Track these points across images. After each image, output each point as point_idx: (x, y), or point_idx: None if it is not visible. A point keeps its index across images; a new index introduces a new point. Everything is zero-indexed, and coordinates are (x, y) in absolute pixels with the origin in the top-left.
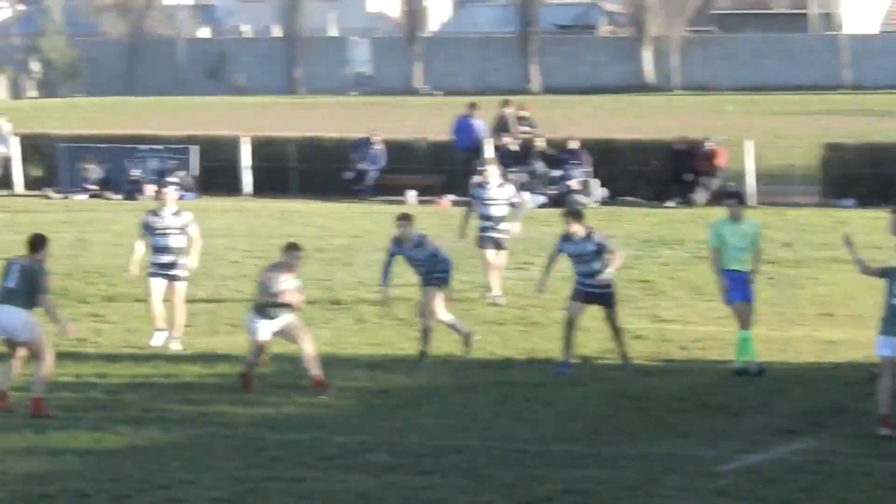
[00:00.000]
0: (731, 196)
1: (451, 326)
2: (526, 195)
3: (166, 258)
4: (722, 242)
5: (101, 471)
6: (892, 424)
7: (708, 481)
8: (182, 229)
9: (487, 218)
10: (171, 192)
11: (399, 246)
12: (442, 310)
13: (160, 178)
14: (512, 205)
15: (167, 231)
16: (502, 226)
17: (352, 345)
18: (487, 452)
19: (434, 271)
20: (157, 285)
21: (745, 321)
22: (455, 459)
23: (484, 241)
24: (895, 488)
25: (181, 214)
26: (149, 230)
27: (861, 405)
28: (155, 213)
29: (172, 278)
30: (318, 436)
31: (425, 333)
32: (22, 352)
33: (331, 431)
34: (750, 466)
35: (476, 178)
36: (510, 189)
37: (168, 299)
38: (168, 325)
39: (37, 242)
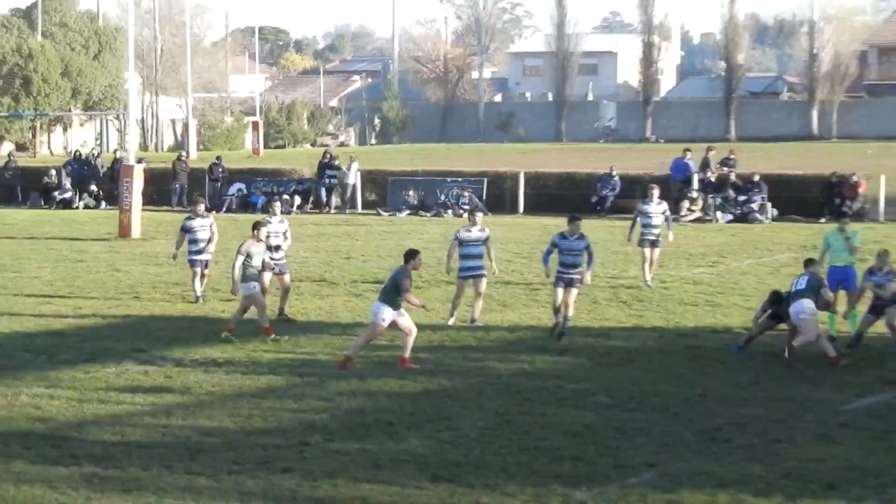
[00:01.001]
0: (843, 215)
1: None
2: (719, 214)
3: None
4: (828, 246)
5: (402, 407)
6: None
7: (833, 417)
8: None
9: (647, 226)
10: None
11: (564, 238)
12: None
13: (458, 202)
14: (665, 218)
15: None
16: (656, 231)
17: (586, 319)
18: (677, 396)
19: (576, 264)
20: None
21: (850, 298)
22: (654, 401)
23: (643, 242)
24: None
25: None
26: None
27: None
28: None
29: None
30: (558, 383)
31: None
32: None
33: (567, 381)
34: (865, 406)
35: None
36: (665, 206)
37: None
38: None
39: (408, 255)
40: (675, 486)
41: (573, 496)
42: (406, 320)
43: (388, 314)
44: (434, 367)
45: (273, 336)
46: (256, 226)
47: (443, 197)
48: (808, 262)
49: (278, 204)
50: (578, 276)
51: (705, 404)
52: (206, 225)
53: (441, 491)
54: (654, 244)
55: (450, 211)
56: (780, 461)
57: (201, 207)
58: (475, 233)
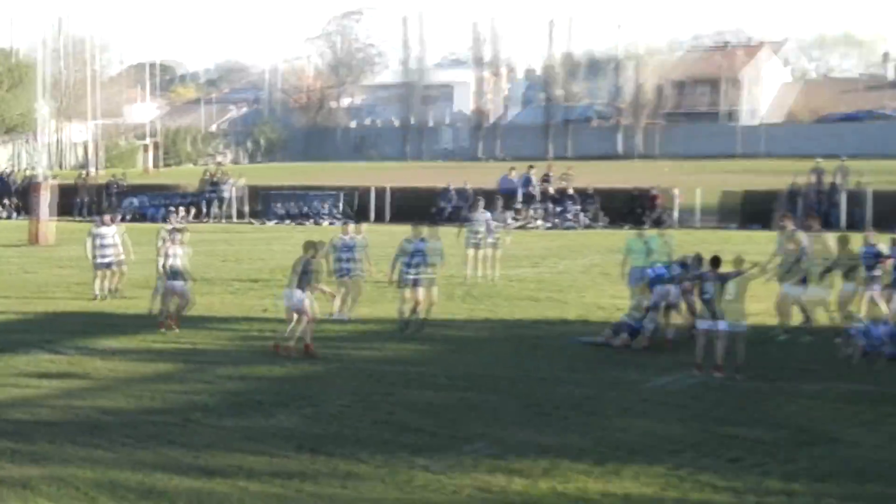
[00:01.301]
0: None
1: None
2: (540, 222)
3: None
4: (630, 250)
5: (271, 388)
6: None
7: (636, 394)
8: None
9: (472, 231)
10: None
11: (409, 242)
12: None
13: (319, 213)
14: (488, 226)
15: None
16: (479, 235)
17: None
18: (505, 376)
19: (419, 265)
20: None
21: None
22: (485, 381)
23: (468, 245)
24: (745, 397)
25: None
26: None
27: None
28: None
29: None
30: (404, 367)
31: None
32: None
33: (412, 365)
34: (662, 385)
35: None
36: (487, 215)
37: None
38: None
39: (308, 246)
40: (503, 453)
41: (417, 461)
42: (310, 305)
43: (299, 296)
44: (299, 354)
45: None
46: (172, 232)
47: (306, 208)
48: (713, 260)
49: (108, 216)
50: (423, 276)
51: (529, 384)
52: (111, 233)
53: (304, 459)
54: (476, 246)
55: (311, 220)
56: (592, 431)
57: (108, 218)
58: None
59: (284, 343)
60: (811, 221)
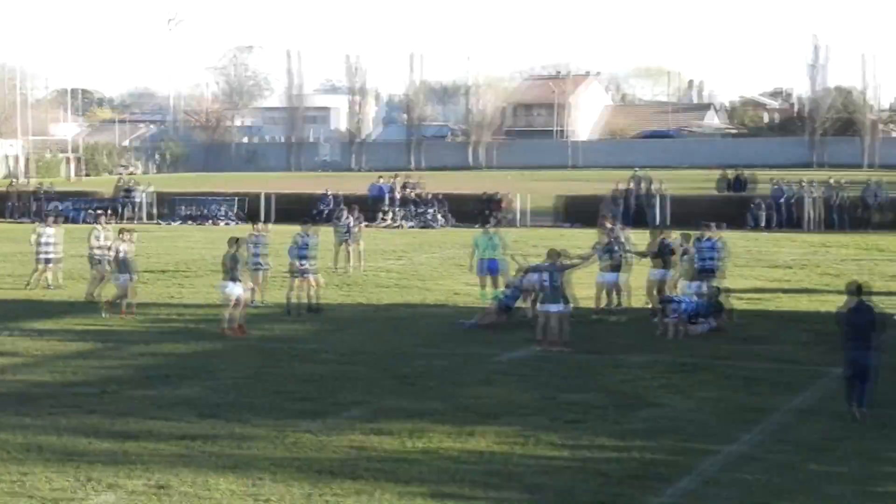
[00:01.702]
0: (495, 223)
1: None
2: (405, 222)
3: None
4: (477, 245)
5: (177, 363)
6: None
7: (492, 366)
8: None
9: (337, 232)
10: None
11: (302, 237)
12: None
13: (216, 215)
14: (357, 226)
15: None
16: (346, 234)
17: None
18: (379, 352)
19: (308, 257)
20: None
21: (494, 282)
22: (362, 356)
23: (339, 240)
24: (582, 368)
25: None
26: None
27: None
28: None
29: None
30: (293, 345)
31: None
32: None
33: (300, 343)
34: (513, 358)
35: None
36: (351, 219)
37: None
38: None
39: (233, 241)
40: (376, 417)
41: (302, 425)
42: (241, 292)
43: (232, 287)
44: (201, 333)
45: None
46: (121, 231)
47: (206, 211)
48: (549, 253)
49: (51, 218)
50: (311, 267)
51: (397, 358)
52: (52, 233)
53: (206, 424)
54: (346, 242)
55: (210, 221)
56: (454, 398)
57: (50, 220)
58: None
59: (229, 326)
60: (606, 220)
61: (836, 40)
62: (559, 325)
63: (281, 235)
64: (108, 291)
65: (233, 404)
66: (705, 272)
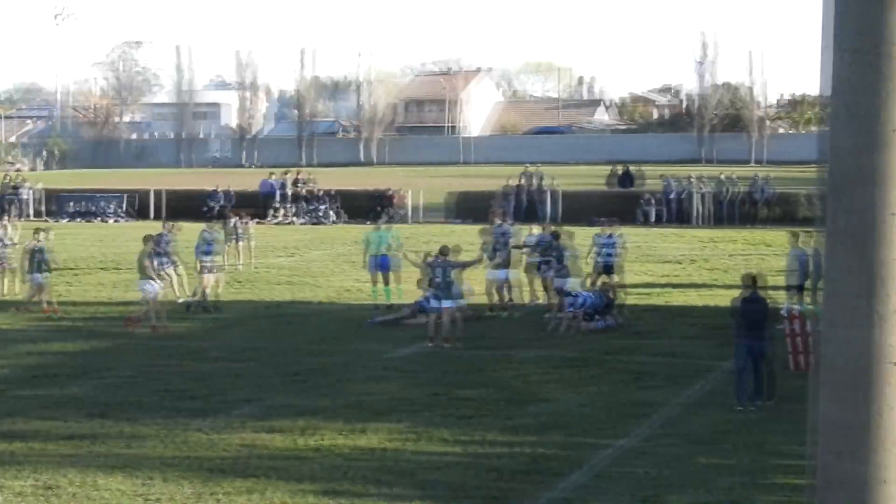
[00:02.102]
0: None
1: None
2: (297, 219)
3: None
4: (368, 242)
5: (65, 362)
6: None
7: (380, 363)
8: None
9: (233, 232)
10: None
11: (207, 232)
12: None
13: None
14: (234, 228)
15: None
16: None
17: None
18: (268, 349)
19: (212, 253)
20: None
21: (385, 278)
22: (251, 354)
23: (228, 239)
24: (472, 364)
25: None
26: None
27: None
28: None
29: None
30: (182, 342)
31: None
32: None
33: (189, 340)
34: (401, 355)
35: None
36: (238, 221)
37: None
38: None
39: (146, 238)
40: (267, 415)
41: (192, 424)
42: (158, 292)
43: (150, 286)
44: (90, 332)
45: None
46: (36, 231)
47: (94, 208)
48: (442, 250)
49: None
50: (216, 264)
51: (289, 355)
52: None
53: (94, 423)
54: (237, 240)
55: (98, 218)
56: (342, 395)
57: None
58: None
59: (158, 324)
60: (496, 216)
61: (724, 37)
62: (451, 321)
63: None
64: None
65: (121, 403)
66: (605, 267)
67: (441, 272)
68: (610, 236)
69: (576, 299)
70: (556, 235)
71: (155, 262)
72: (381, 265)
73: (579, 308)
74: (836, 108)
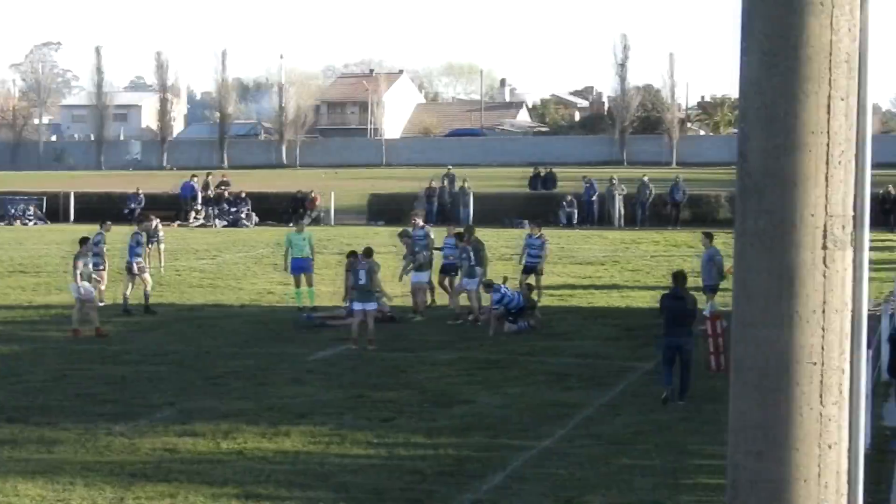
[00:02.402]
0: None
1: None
2: (217, 221)
3: None
4: (290, 244)
5: None
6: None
7: (302, 365)
8: None
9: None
10: None
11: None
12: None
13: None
14: (156, 229)
15: None
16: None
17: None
18: (189, 353)
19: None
20: None
21: (309, 280)
22: (172, 357)
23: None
24: (394, 366)
25: None
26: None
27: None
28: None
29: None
30: (101, 346)
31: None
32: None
33: (108, 344)
34: (323, 358)
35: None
36: (156, 221)
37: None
38: None
39: (81, 241)
40: (189, 419)
41: (113, 428)
42: (93, 293)
43: (80, 288)
44: (7, 336)
45: None
46: None
47: (13, 210)
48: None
49: None
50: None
51: (209, 359)
52: None
53: (14, 428)
54: (159, 242)
55: (13, 221)
56: (265, 398)
57: None
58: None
59: (76, 327)
60: (415, 219)
61: (644, 39)
62: (371, 322)
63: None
64: None
65: (40, 408)
66: (528, 269)
67: (365, 275)
68: (539, 237)
69: (502, 297)
70: (459, 237)
71: (90, 264)
72: (303, 267)
73: (503, 305)
74: (747, 110)
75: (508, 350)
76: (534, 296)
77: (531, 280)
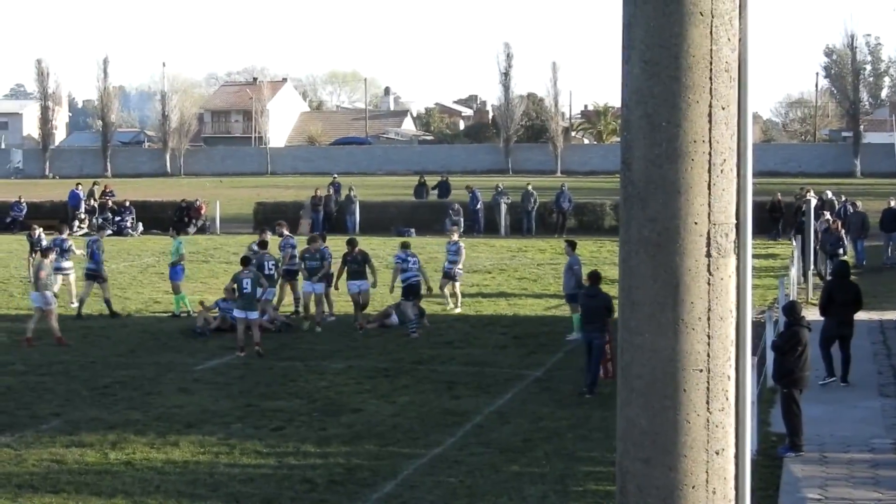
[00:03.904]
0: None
1: None
2: (105, 231)
3: None
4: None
5: None
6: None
7: (190, 375)
8: None
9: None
10: None
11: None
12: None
13: None
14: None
15: None
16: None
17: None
18: (75, 363)
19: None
20: None
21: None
22: (58, 367)
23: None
24: (283, 375)
25: None
26: None
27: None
28: None
29: None
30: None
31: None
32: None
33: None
34: (212, 367)
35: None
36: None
37: None
38: None
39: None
40: (76, 430)
41: None
42: (52, 302)
43: (43, 296)
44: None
45: None
46: None
47: None
48: (243, 261)
49: None
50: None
51: (96, 368)
52: None
53: None
54: (34, 252)
55: None
56: (153, 408)
57: None
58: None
59: (28, 336)
60: (280, 227)
61: (527, 48)
62: (256, 331)
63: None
64: None
65: None
66: (447, 274)
67: (250, 283)
68: (455, 243)
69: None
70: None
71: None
72: (174, 275)
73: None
74: (630, 118)
75: (397, 358)
76: (451, 301)
77: (448, 287)
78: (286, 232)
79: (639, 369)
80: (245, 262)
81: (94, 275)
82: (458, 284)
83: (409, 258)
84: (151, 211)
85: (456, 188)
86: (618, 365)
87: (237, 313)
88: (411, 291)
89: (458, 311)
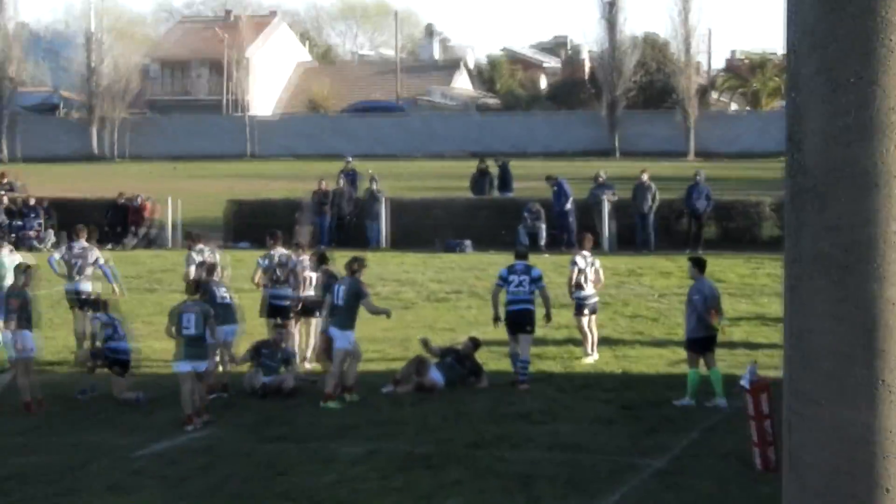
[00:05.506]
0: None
1: None
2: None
3: None
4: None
5: None
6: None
7: (126, 463)
8: None
9: None
10: None
11: None
12: None
13: None
14: None
15: None
16: None
17: None
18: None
19: None
20: None
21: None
22: (27, 461)
23: None
24: (269, 465)
25: None
26: None
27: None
28: None
29: None
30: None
31: None
32: None
33: None
34: (159, 451)
35: None
36: None
37: None
38: None
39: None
40: None
41: None
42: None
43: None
44: None
45: None
46: None
47: None
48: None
49: None
50: None
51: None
52: None
53: None
54: None
55: None
56: None
57: None
58: None
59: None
60: (273, 240)
61: None
62: (201, 391)
63: None
64: None
65: None
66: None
67: (194, 320)
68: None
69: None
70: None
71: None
72: None
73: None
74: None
75: (443, 439)
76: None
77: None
78: (281, 248)
79: (814, 456)
80: (192, 288)
81: None
82: (594, 318)
83: (515, 275)
84: (70, 212)
85: (533, 178)
86: (784, 450)
87: (181, 366)
88: (516, 323)
89: (591, 359)
